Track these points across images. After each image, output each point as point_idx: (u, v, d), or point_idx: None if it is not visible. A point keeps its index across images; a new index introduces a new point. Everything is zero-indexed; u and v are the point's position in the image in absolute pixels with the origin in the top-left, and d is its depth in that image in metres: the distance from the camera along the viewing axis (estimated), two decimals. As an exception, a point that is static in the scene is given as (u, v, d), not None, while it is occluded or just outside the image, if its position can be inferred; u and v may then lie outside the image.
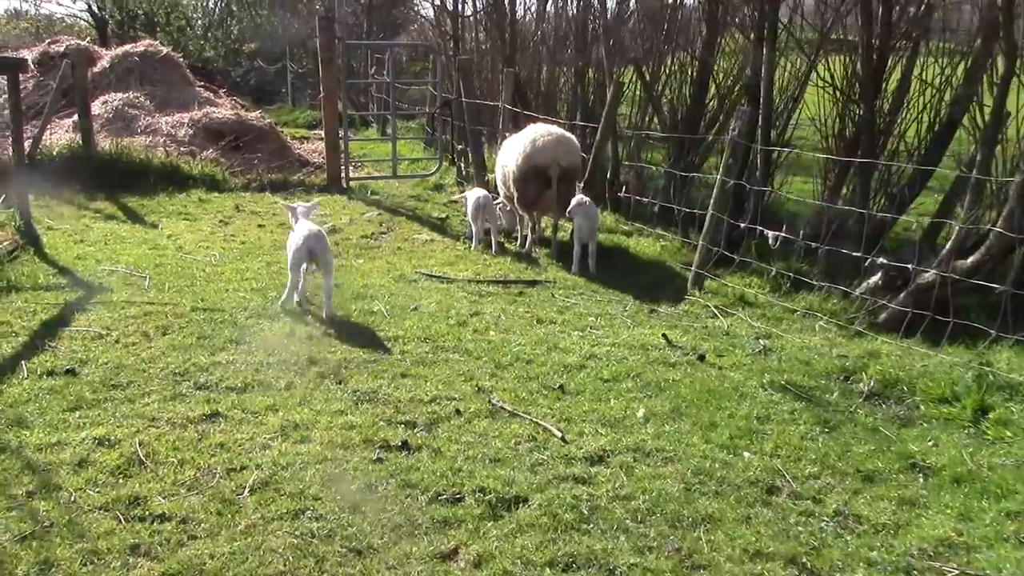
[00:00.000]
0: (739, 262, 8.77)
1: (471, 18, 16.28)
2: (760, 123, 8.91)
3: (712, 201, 8.53)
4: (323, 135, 14.37)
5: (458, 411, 5.18)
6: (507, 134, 11.83)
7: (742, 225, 8.53)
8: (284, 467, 4.34)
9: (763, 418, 5.34)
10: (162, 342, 6.15)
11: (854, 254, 7.36)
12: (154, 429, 4.73)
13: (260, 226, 11.00)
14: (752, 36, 9.15)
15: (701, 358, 6.52)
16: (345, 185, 13.68)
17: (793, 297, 8.24)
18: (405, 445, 4.64)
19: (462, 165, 14.09)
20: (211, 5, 35.60)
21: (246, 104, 17.55)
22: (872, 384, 6.01)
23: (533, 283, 8.72)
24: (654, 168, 12.15)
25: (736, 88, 10.67)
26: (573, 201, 9.11)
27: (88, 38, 25.37)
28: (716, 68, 10.99)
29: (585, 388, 5.71)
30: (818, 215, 9.18)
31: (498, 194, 10.81)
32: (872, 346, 6.85)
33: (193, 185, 13.18)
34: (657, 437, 4.95)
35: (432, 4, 18.60)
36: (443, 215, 12.11)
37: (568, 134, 9.84)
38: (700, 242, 8.64)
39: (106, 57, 16.58)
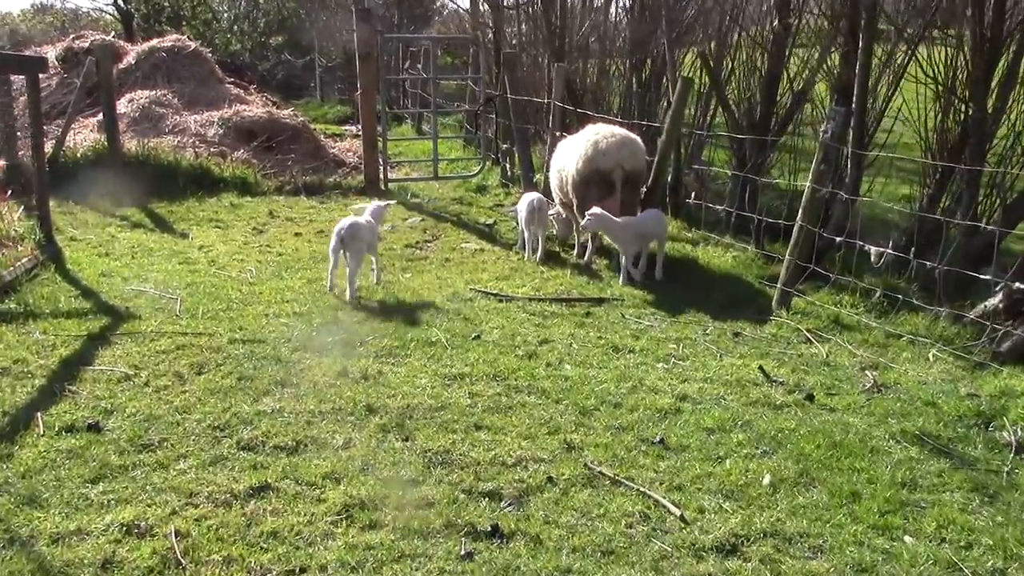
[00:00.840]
0: (824, 276, 7.87)
1: (513, 9, 15.40)
2: (853, 123, 8.00)
3: (801, 211, 7.66)
4: (357, 132, 13.59)
5: (550, 479, 4.36)
6: (557, 134, 11.00)
7: (838, 239, 7.65)
8: (354, 567, 3.52)
9: (910, 484, 4.48)
10: (198, 384, 5.37)
11: (983, 276, 6.48)
12: (192, 508, 3.94)
13: (297, 234, 10.23)
14: (842, 24, 8.20)
15: (810, 398, 5.69)
16: (384, 187, 12.90)
17: (894, 319, 7.38)
18: (496, 531, 3.82)
19: (507, 166, 13.27)
20: (237, -2, 34.97)
21: (277, 101, 16.78)
22: (1019, 433, 5.15)
23: (600, 301, 7.92)
24: (719, 170, 11.28)
25: (814, 80, 9.73)
26: (587, 214, 8.28)
27: (113, 32, 24.74)
28: (789, 57, 10.06)
29: (689, 441, 4.88)
30: (914, 225, 8.28)
31: (550, 198, 10.01)
32: (1003, 382, 5.98)
33: (224, 188, 12.45)
34: (794, 514, 4.11)
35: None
36: (491, 220, 11.29)
37: (632, 135, 9.00)
38: (787, 256, 7.77)
39: (132, 53, 15.84)
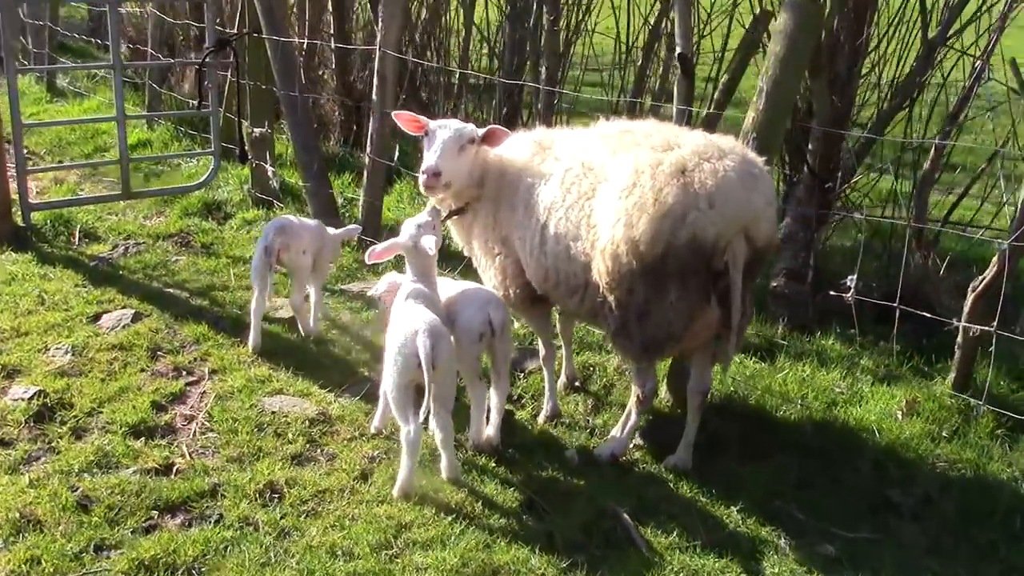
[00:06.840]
0: None
1: None
2: None
3: None
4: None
5: None
6: (390, 112, 4.93)
7: None
8: None
9: None
10: None
11: None
12: None
13: None
14: None
15: None
16: (24, 222, 6.28)
17: None
18: None
19: (267, 165, 7.05)
20: None
21: None
22: None
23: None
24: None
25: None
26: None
27: None
28: None
29: None
30: None
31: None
32: None
33: None
34: None
35: None
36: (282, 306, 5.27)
37: (751, 154, 3.55)
38: None
39: None
